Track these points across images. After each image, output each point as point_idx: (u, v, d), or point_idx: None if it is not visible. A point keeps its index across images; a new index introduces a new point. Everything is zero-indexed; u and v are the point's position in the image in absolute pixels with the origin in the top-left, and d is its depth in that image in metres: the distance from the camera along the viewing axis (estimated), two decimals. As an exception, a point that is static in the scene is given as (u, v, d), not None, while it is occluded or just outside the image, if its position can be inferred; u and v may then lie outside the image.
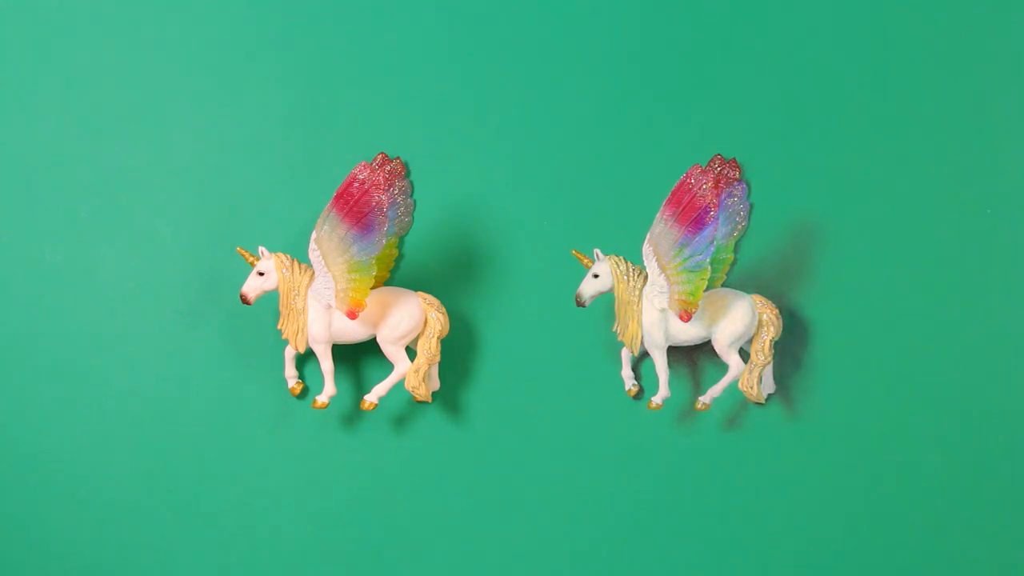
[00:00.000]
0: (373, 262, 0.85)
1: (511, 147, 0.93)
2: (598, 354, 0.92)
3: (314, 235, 0.85)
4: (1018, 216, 0.93)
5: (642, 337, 0.89)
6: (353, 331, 0.86)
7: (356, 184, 0.86)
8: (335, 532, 0.91)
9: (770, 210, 0.92)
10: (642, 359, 0.93)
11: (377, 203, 0.86)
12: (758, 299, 0.89)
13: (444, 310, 0.88)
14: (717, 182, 0.91)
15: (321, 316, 0.86)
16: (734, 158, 0.92)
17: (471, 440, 0.91)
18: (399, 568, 0.91)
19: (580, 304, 0.87)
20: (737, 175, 0.92)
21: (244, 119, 0.92)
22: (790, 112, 0.94)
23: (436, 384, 0.90)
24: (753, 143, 0.93)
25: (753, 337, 0.89)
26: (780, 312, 0.89)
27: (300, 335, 0.86)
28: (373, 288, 0.86)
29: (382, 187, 0.87)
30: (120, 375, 0.90)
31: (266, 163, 0.92)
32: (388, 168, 0.89)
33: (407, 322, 0.86)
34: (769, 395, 0.91)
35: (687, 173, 0.92)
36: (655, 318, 0.88)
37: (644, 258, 0.87)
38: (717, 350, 0.88)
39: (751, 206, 0.92)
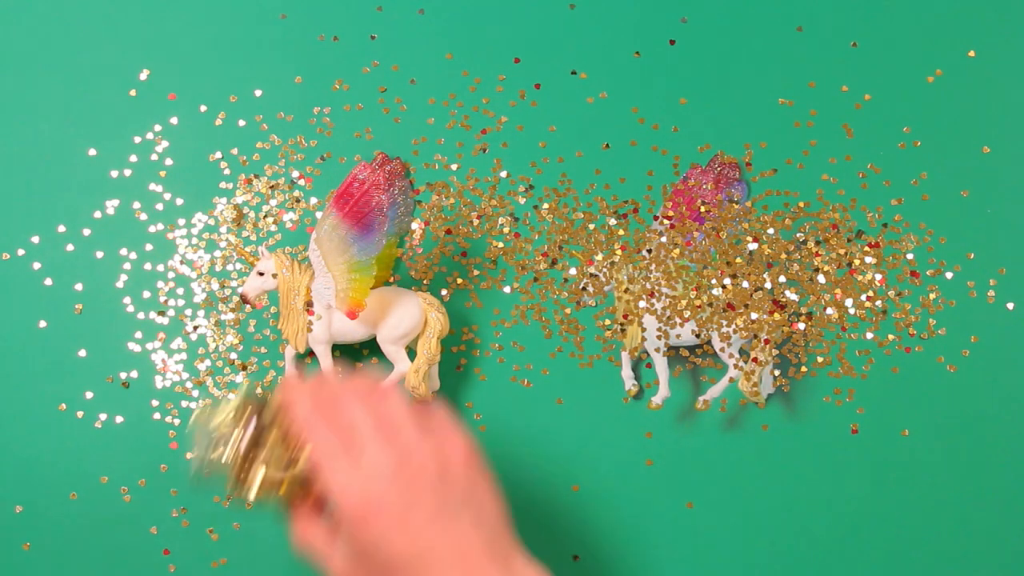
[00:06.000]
0: (373, 262, 0.85)
1: (511, 146, 0.93)
2: (598, 354, 0.92)
3: (314, 235, 0.85)
4: (1019, 217, 0.93)
5: (642, 338, 0.89)
6: (353, 331, 0.86)
7: (356, 184, 0.86)
8: (335, 532, 0.91)
9: (770, 209, 0.92)
10: (642, 359, 0.93)
11: (377, 203, 0.86)
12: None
13: (444, 310, 0.88)
14: (717, 182, 0.92)
15: (321, 316, 0.86)
16: (734, 158, 0.92)
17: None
18: (399, 568, 0.91)
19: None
20: (737, 175, 0.92)
21: (243, 119, 0.92)
22: (790, 112, 0.94)
23: (436, 384, 0.90)
24: (753, 143, 0.93)
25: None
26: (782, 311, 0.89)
27: (300, 335, 0.86)
28: (373, 288, 0.86)
29: (382, 187, 0.87)
30: (120, 375, 0.90)
31: (265, 162, 0.92)
32: (388, 168, 0.89)
33: (407, 322, 0.86)
34: (769, 395, 0.91)
35: (687, 173, 0.92)
36: (655, 319, 0.89)
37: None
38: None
39: (751, 206, 0.92)
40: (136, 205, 0.92)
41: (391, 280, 0.91)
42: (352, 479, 0.61)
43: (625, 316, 0.90)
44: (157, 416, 0.91)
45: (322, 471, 0.62)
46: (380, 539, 0.60)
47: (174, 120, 0.92)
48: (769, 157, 0.93)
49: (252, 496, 0.66)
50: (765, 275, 0.90)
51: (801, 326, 0.91)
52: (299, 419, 0.63)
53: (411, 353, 0.88)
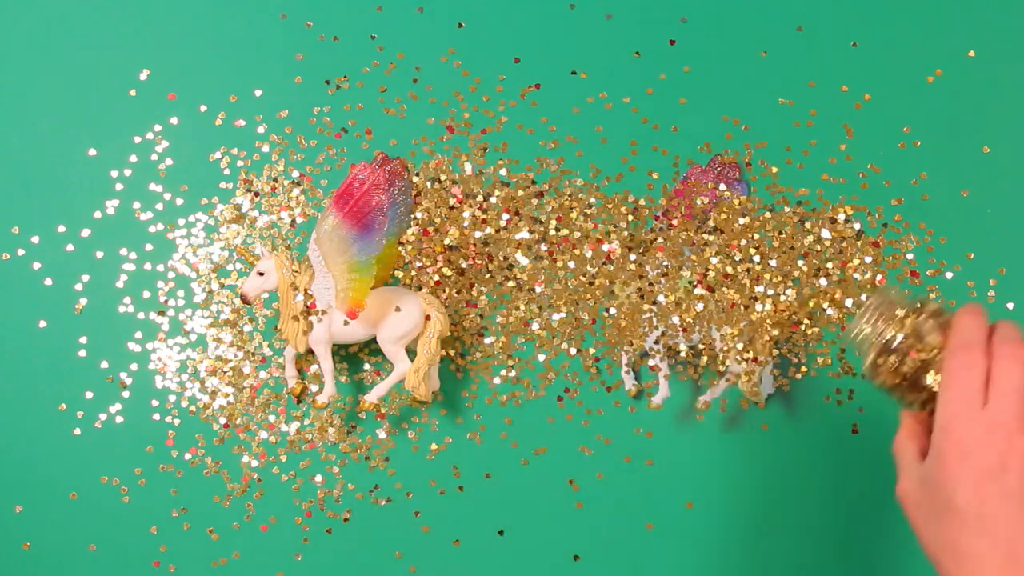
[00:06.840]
0: (373, 262, 0.85)
1: (511, 146, 0.93)
2: (598, 354, 0.92)
3: (314, 235, 0.85)
4: (1019, 217, 0.93)
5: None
6: (353, 331, 0.86)
7: (356, 184, 0.86)
8: (334, 532, 0.91)
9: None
10: (642, 359, 0.93)
11: (377, 203, 0.86)
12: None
13: (444, 310, 0.88)
14: (717, 182, 0.92)
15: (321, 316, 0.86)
16: (734, 158, 0.92)
17: (471, 440, 0.91)
18: (398, 568, 0.91)
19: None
20: (737, 175, 0.92)
21: (243, 118, 0.92)
22: (790, 112, 0.94)
23: (436, 384, 0.90)
24: (753, 143, 0.93)
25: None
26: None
27: (300, 335, 0.86)
28: (373, 288, 0.86)
29: (382, 187, 0.87)
30: (120, 375, 0.90)
31: (265, 162, 0.92)
32: (388, 168, 0.89)
33: (407, 322, 0.86)
34: (769, 395, 0.91)
35: (687, 173, 0.92)
36: (655, 318, 0.89)
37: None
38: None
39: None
40: (136, 205, 0.92)
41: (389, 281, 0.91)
42: (962, 415, 0.61)
43: None
44: (157, 416, 0.91)
45: (945, 393, 0.62)
46: (951, 480, 0.61)
47: (174, 120, 0.92)
48: (769, 157, 0.93)
49: (878, 380, 0.67)
50: (765, 275, 0.90)
51: (801, 326, 0.91)
52: (958, 341, 0.63)
53: (411, 353, 0.88)
